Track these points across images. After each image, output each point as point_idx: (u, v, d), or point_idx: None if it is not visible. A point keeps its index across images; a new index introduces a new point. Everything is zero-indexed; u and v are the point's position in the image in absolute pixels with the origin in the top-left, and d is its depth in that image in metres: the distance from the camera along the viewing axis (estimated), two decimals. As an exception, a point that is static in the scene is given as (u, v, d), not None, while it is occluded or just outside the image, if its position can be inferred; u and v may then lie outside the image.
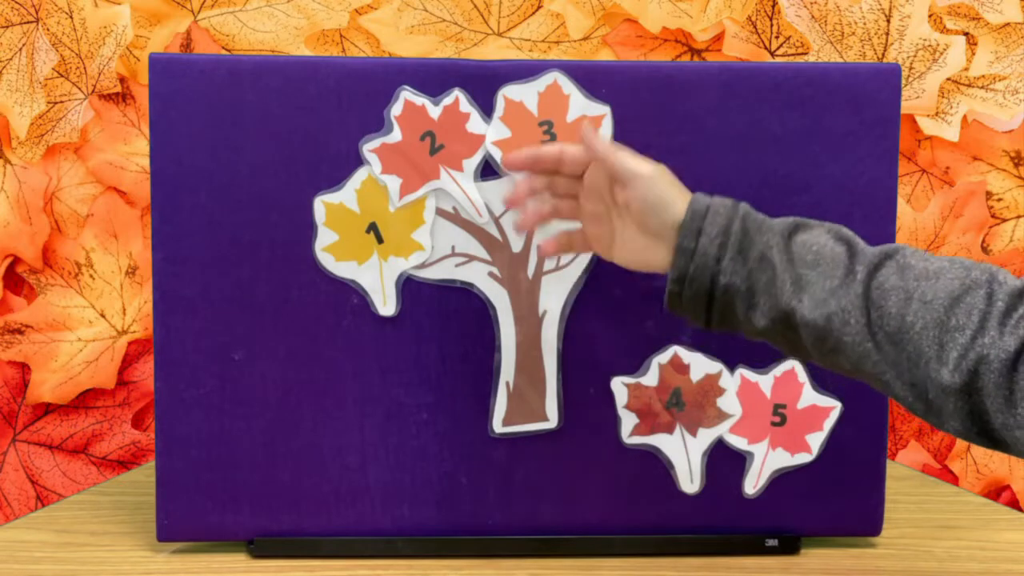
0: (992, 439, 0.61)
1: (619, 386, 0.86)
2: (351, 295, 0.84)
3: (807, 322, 0.66)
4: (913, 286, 0.63)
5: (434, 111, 0.82)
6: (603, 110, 0.83)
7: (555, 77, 0.82)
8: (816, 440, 0.87)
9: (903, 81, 1.13)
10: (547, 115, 0.83)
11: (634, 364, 0.86)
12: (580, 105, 0.83)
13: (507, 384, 0.85)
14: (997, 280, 0.62)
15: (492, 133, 0.82)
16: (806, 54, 1.14)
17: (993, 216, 1.15)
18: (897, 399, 0.65)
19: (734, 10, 1.13)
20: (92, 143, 1.16)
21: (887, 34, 1.13)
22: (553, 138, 0.83)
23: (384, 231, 0.83)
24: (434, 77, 0.82)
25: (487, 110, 0.83)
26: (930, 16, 1.14)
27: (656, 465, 0.87)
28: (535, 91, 0.82)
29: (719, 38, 1.15)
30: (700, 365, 0.86)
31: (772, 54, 1.15)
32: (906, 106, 1.13)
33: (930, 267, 0.64)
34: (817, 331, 0.66)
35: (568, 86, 0.82)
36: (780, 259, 0.67)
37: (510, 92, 0.82)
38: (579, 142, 0.82)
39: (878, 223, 0.85)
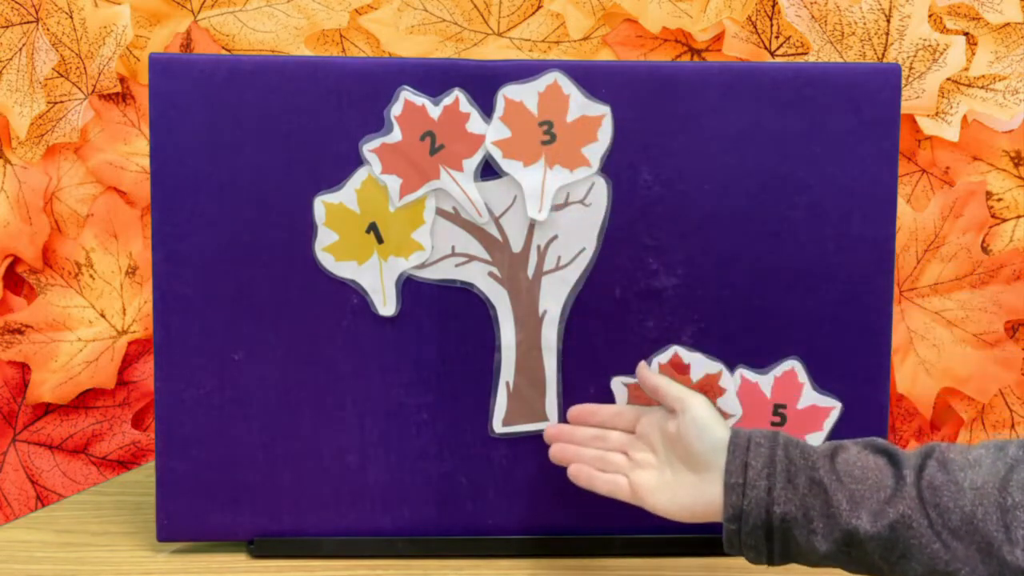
0: None
1: (619, 386, 0.86)
2: (351, 295, 0.84)
3: (871, 536, 0.66)
4: (960, 477, 0.64)
5: (434, 111, 0.82)
6: (603, 110, 0.83)
7: (555, 77, 0.82)
8: (816, 440, 0.87)
9: (903, 81, 1.13)
10: (547, 115, 0.83)
11: (634, 364, 0.86)
12: (580, 105, 0.83)
13: (507, 384, 0.85)
14: None
15: (492, 133, 0.82)
16: (806, 54, 1.14)
17: (993, 216, 1.15)
18: None
19: (734, 10, 1.13)
20: (92, 143, 1.16)
21: (887, 34, 1.13)
22: (553, 138, 0.83)
23: (384, 231, 0.84)
24: (434, 77, 0.82)
25: (487, 110, 0.83)
26: (930, 16, 1.14)
27: (656, 465, 0.87)
28: (535, 91, 0.82)
29: (719, 38, 1.15)
30: (700, 365, 0.86)
31: (772, 54, 1.15)
32: (906, 106, 1.13)
33: (969, 457, 0.65)
34: (883, 542, 0.66)
35: (568, 86, 0.82)
36: (829, 480, 0.68)
37: (510, 92, 0.82)
38: (578, 142, 0.83)
39: (878, 223, 0.85)
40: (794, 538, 0.69)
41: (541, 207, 0.83)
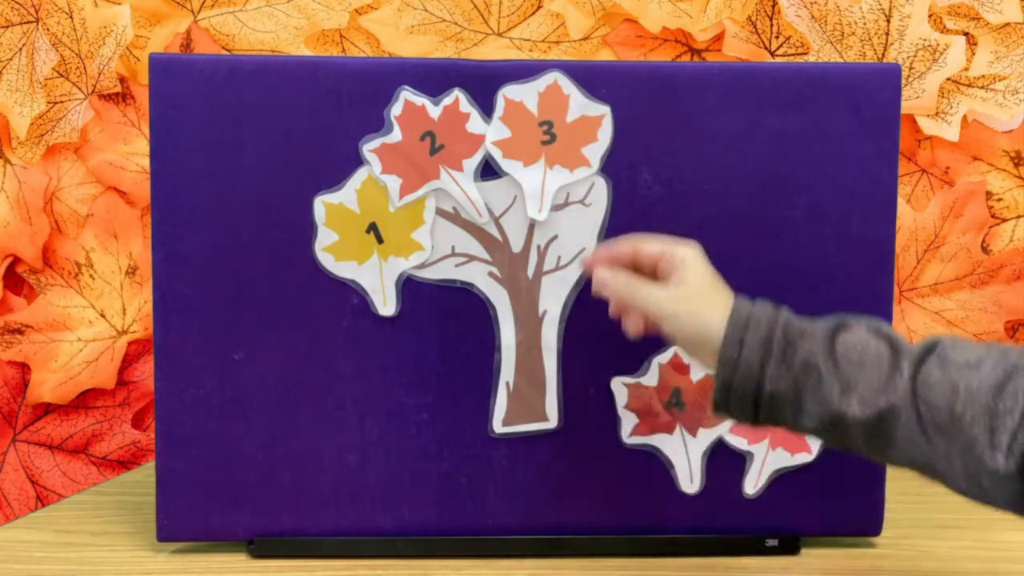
0: None
1: (619, 386, 0.86)
2: (351, 295, 0.84)
3: (859, 422, 0.67)
4: (957, 377, 0.64)
5: (434, 111, 0.82)
6: (603, 110, 0.83)
7: (555, 77, 0.82)
8: (816, 440, 0.87)
9: (903, 81, 1.13)
10: (547, 115, 0.83)
11: (634, 364, 0.86)
12: (580, 105, 0.83)
13: (507, 384, 0.85)
14: None
15: (492, 133, 0.82)
16: (806, 54, 1.14)
17: (993, 216, 1.15)
18: (950, 488, 0.65)
19: (734, 10, 1.13)
20: (92, 143, 1.16)
21: (887, 34, 1.13)
22: (553, 138, 0.83)
23: (384, 231, 0.83)
24: (434, 77, 0.82)
25: (487, 110, 0.83)
26: (930, 16, 1.14)
27: (656, 465, 0.87)
28: (535, 91, 0.82)
29: (719, 38, 1.15)
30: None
31: (772, 54, 1.15)
32: (906, 106, 1.13)
33: (970, 357, 0.65)
34: (869, 428, 0.67)
35: (568, 86, 0.82)
36: (825, 364, 0.68)
37: (510, 92, 0.82)
38: (578, 142, 0.83)
39: (878, 223, 0.85)
40: (781, 412, 0.70)
41: (541, 207, 0.83)
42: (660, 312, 0.73)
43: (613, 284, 0.76)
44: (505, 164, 0.83)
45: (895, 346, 0.68)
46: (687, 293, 0.73)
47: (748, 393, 0.69)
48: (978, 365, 0.64)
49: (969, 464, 0.63)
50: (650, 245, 0.76)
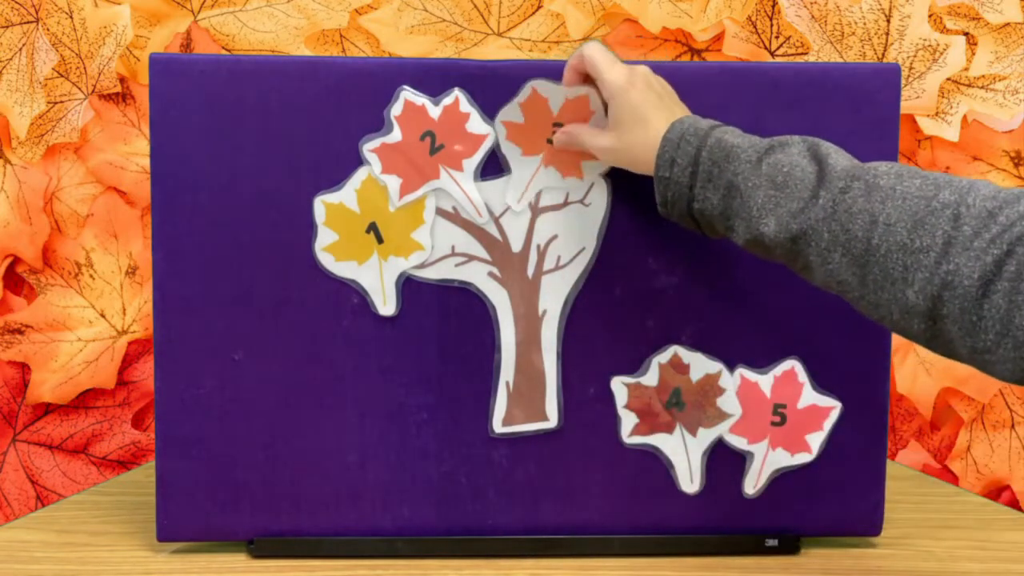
0: (956, 358, 0.62)
1: (619, 386, 0.86)
2: (351, 295, 0.84)
3: (776, 243, 0.68)
4: (879, 208, 0.63)
5: (434, 111, 0.82)
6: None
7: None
8: (816, 440, 0.87)
9: (903, 81, 1.13)
10: (564, 119, 0.82)
11: (634, 364, 0.86)
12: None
13: (507, 384, 0.85)
14: (965, 203, 0.60)
15: (506, 113, 0.82)
16: (806, 54, 1.14)
17: (993, 216, 1.15)
18: (866, 316, 0.66)
19: (734, 10, 1.13)
20: (92, 143, 1.16)
21: (887, 34, 1.13)
22: (553, 138, 0.83)
23: (384, 231, 0.84)
24: (434, 77, 0.82)
25: (487, 110, 0.83)
26: (930, 16, 1.14)
27: (656, 465, 0.87)
28: (563, 95, 0.82)
29: (719, 38, 1.15)
30: (700, 365, 0.86)
31: (772, 54, 1.15)
32: (906, 106, 1.13)
33: (898, 187, 0.63)
34: (785, 251, 0.68)
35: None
36: (746, 186, 0.69)
37: (540, 87, 0.82)
38: (579, 155, 0.82)
39: (878, 223, 0.85)
40: (715, 227, 0.73)
41: (520, 198, 0.83)
42: (602, 154, 0.79)
43: (556, 137, 0.81)
44: (505, 146, 0.83)
45: (823, 169, 0.67)
46: (619, 131, 0.77)
47: (683, 209, 0.73)
48: (904, 196, 0.63)
49: (880, 298, 0.63)
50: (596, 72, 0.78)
